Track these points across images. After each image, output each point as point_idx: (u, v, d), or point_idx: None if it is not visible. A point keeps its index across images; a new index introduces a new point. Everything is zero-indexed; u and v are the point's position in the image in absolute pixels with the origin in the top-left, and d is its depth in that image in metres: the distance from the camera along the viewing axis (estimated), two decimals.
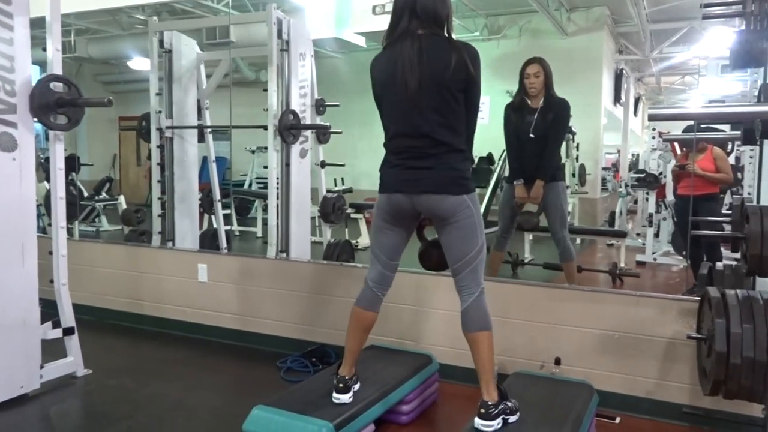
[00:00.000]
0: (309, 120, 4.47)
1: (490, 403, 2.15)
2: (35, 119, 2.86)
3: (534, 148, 3.64)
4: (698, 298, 2.61)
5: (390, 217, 2.32)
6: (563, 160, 7.32)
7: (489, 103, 4.89)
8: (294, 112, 4.20)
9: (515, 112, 3.72)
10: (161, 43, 4.63)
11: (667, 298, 2.82)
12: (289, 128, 4.15)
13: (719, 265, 3.06)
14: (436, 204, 2.19)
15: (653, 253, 6.04)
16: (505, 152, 6.38)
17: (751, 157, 3.78)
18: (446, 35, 2.22)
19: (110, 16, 7.82)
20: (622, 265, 5.70)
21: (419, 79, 2.14)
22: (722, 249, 4.63)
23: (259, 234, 7.23)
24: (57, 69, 2.96)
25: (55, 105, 2.90)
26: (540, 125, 3.60)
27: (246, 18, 5.28)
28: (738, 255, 2.49)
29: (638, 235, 6.72)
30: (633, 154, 10.40)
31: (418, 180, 2.19)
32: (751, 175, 3.79)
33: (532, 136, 3.61)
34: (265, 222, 4.71)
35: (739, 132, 2.83)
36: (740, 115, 2.15)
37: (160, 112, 4.63)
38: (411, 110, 2.18)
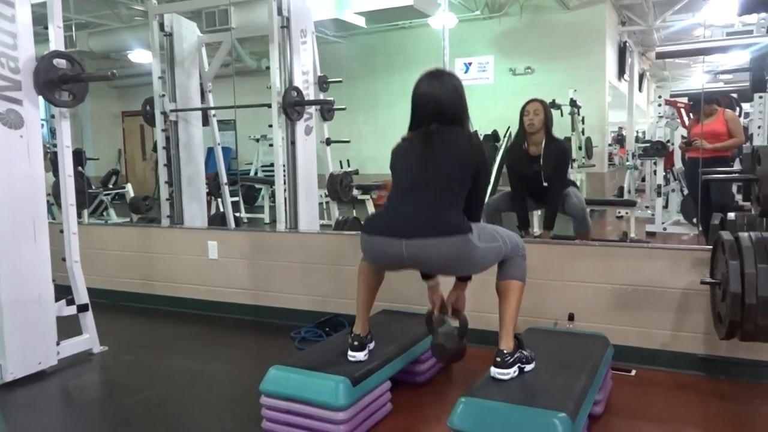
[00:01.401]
0: (312, 97, 4.46)
1: (506, 351, 2.15)
2: (40, 95, 2.87)
3: (547, 192, 3.64)
4: (710, 247, 2.59)
5: (377, 265, 2.33)
6: (569, 134, 7.34)
7: (493, 63, 4.84)
8: (297, 89, 4.18)
9: (520, 163, 3.69)
10: (161, 26, 4.61)
11: (679, 249, 2.81)
12: (293, 105, 4.14)
13: (731, 215, 3.04)
14: (431, 250, 2.11)
15: (663, 222, 6.01)
16: (509, 129, 6.39)
17: (761, 106, 3.61)
18: (462, 129, 2.28)
19: (109, 9, 7.84)
20: (632, 235, 5.69)
21: (432, 165, 2.19)
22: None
23: (267, 220, 7.25)
24: (59, 46, 2.96)
25: (59, 81, 2.90)
26: (549, 173, 3.57)
27: None
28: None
29: (647, 207, 6.68)
30: (638, 131, 10.36)
31: (410, 225, 2.13)
32: (759, 123, 3.68)
33: (545, 185, 3.58)
34: (272, 207, 4.70)
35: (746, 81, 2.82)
36: (749, 46, 2.12)
37: (163, 95, 4.63)
38: (419, 181, 2.20)
